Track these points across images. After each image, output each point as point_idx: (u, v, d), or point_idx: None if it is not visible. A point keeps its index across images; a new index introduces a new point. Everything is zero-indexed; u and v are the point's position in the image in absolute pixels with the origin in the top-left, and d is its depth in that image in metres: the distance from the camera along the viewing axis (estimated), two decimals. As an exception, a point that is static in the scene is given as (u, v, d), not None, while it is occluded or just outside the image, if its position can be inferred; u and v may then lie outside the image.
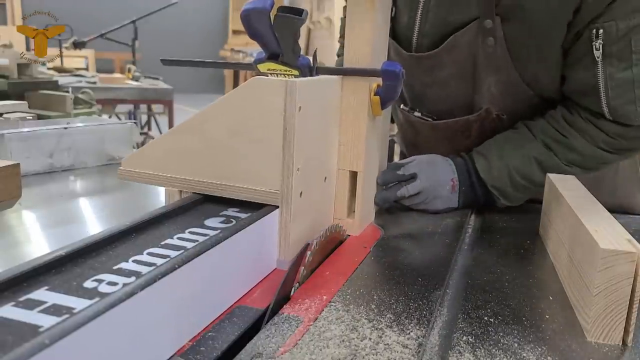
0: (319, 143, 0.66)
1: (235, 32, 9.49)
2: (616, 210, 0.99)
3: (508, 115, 0.92)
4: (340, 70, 0.71)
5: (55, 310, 0.35)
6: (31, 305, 0.35)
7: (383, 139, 0.82)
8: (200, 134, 0.61)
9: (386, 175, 0.82)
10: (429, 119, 1.00)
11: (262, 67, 0.67)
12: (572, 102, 0.87)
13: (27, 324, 0.33)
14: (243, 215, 0.58)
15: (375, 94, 0.71)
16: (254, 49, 8.01)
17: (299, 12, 0.63)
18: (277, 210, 0.60)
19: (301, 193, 0.61)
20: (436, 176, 0.84)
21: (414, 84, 0.97)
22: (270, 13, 0.61)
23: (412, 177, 0.83)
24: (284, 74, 0.66)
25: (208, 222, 0.55)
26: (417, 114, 1.00)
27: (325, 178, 0.70)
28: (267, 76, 0.67)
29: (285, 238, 0.60)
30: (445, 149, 0.94)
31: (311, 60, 0.68)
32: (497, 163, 0.86)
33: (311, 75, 0.67)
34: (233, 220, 0.56)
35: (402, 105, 1.04)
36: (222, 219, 0.57)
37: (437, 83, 0.94)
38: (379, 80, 0.71)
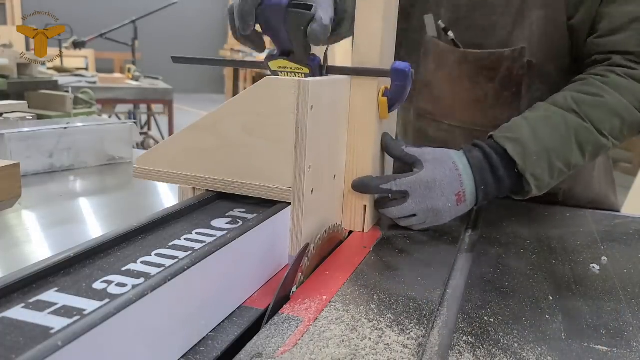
0: (329, 142, 0.67)
1: (235, 32, 9.47)
2: (588, 204, 1.01)
3: (538, 65, 0.88)
4: (349, 70, 0.70)
5: (65, 311, 0.35)
6: (41, 306, 0.35)
7: None
8: (214, 133, 0.61)
9: (363, 184, 0.72)
10: (460, 47, 0.93)
11: (273, 65, 0.68)
12: (604, 60, 0.84)
13: (38, 325, 0.33)
14: (249, 216, 0.58)
15: (383, 96, 0.71)
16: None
17: (309, 7, 0.63)
18: (288, 207, 0.60)
19: (312, 190, 0.62)
20: (433, 200, 0.72)
21: (461, 4, 0.93)
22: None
23: (403, 196, 0.72)
24: (294, 72, 0.67)
25: (215, 223, 0.55)
26: (450, 34, 0.92)
27: (335, 176, 0.70)
28: (277, 74, 0.68)
29: (297, 234, 0.61)
30: (462, 94, 0.90)
31: (322, 59, 0.68)
32: (534, 146, 0.75)
33: (321, 74, 0.67)
34: (240, 221, 0.56)
35: (431, 33, 0.96)
36: (229, 219, 0.57)
37: (486, 7, 0.90)
38: (388, 83, 0.70)
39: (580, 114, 0.78)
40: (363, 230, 0.75)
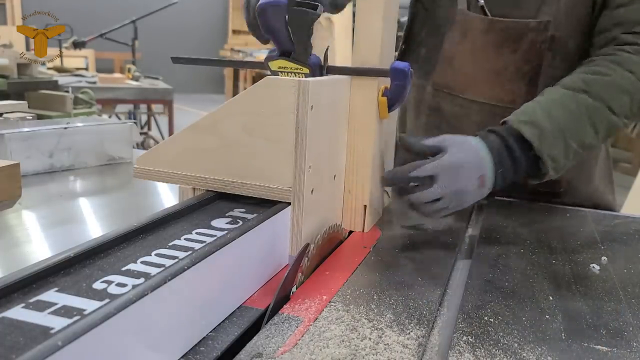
0: (329, 142, 0.67)
1: (235, 32, 9.48)
2: (587, 201, 1.02)
3: (561, 40, 0.91)
4: (349, 70, 0.71)
5: (65, 311, 0.35)
6: (41, 306, 0.35)
7: (389, 143, 0.83)
8: (214, 133, 0.62)
9: (395, 175, 0.73)
10: (488, 15, 0.94)
11: (273, 65, 0.68)
12: (612, 39, 0.86)
13: (39, 325, 0.33)
14: (249, 216, 0.58)
15: (382, 95, 0.71)
16: (254, 49, 8.01)
17: (314, 7, 0.63)
18: (288, 207, 0.60)
19: (312, 190, 0.62)
20: (460, 182, 0.72)
21: None
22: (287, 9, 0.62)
23: (429, 181, 0.71)
24: (294, 72, 0.67)
25: (215, 223, 0.55)
26: (480, 1, 0.94)
27: (335, 176, 0.70)
28: (278, 74, 0.68)
29: (297, 234, 0.61)
30: (484, 65, 0.93)
31: (322, 60, 0.68)
32: (549, 127, 0.76)
33: (321, 74, 0.68)
34: (240, 221, 0.56)
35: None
36: (229, 219, 0.57)
37: None
38: (387, 83, 0.71)
39: (590, 93, 0.80)
40: (363, 230, 0.75)
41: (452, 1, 0.98)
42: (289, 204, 0.61)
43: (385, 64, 0.71)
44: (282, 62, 0.67)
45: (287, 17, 0.63)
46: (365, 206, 0.74)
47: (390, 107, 0.72)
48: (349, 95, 0.72)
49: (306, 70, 0.67)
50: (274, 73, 0.68)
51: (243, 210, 0.60)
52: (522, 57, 0.93)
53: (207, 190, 0.64)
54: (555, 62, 0.92)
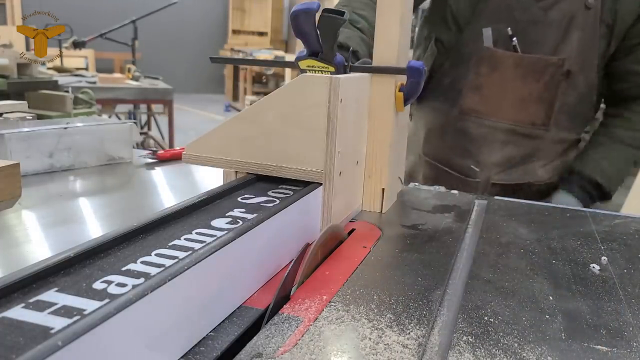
0: (353, 131, 0.75)
1: (235, 32, 9.49)
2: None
3: (573, 74, 1.15)
4: (370, 69, 0.79)
5: (65, 311, 0.34)
6: (41, 306, 0.35)
7: (403, 133, 0.91)
8: (255, 122, 0.69)
9: None
10: (519, 52, 1.14)
11: (303, 64, 0.74)
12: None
13: (38, 325, 0.33)
14: (249, 216, 0.58)
15: (399, 91, 0.79)
16: (254, 49, 8.02)
17: (341, 13, 0.70)
18: (294, 203, 0.63)
19: (340, 173, 0.70)
20: None
21: (522, 19, 1.14)
22: (316, 15, 0.69)
23: None
24: (321, 70, 0.73)
25: (214, 223, 0.55)
26: (514, 40, 1.14)
27: (357, 162, 0.79)
28: (306, 72, 0.74)
29: (327, 211, 0.69)
30: (512, 93, 1.15)
31: (345, 59, 0.74)
32: (614, 174, 1.20)
33: (345, 72, 0.74)
34: (240, 220, 0.56)
35: (489, 44, 1.18)
36: (229, 219, 0.57)
37: (543, 23, 1.13)
38: (403, 80, 0.79)
39: (634, 146, 1.20)
40: (381, 211, 0.83)
41: (476, 40, 1.17)
42: (294, 197, 0.63)
43: (402, 62, 0.78)
44: (311, 62, 0.73)
45: (317, 22, 0.69)
46: (383, 189, 0.81)
47: (406, 101, 0.80)
48: (370, 91, 0.79)
49: (332, 69, 0.73)
50: (303, 71, 0.74)
51: (243, 210, 0.60)
52: (543, 86, 1.14)
53: (248, 173, 0.70)
54: (568, 90, 1.15)
